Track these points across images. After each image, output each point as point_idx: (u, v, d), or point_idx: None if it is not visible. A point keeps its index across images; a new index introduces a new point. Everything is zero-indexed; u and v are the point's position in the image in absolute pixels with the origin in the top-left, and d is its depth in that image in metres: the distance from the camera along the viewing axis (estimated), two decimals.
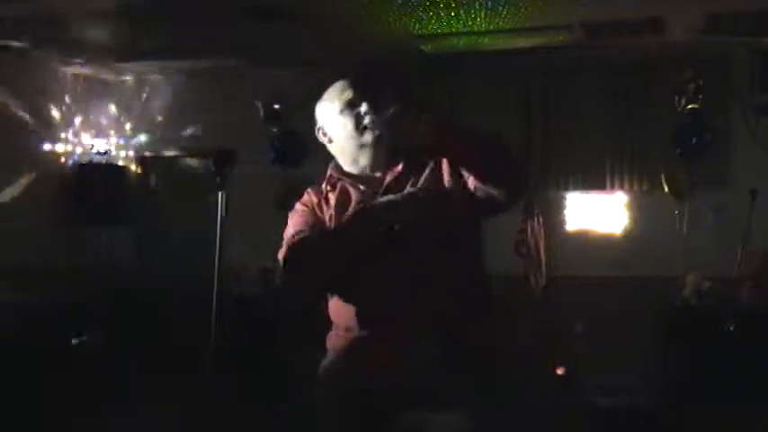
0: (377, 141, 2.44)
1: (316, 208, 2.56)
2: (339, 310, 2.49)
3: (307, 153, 6.98)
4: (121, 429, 5.65)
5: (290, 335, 6.43)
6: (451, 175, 2.42)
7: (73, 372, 6.20)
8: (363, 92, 2.48)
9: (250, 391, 6.05)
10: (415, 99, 2.43)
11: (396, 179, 2.48)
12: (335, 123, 2.53)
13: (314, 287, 2.54)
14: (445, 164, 2.44)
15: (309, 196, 2.61)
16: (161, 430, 5.54)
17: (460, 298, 2.40)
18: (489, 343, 2.46)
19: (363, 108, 2.44)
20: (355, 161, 2.54)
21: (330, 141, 2.58)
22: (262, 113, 7.22)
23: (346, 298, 2.44)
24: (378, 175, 2.52)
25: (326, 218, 2.51)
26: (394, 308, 2.36)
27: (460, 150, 2.33)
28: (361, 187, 2.50)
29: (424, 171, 2.46)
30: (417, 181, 2.46)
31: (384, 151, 2.48)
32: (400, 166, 2.50)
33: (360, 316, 2.41)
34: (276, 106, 7.18)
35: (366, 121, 2.42)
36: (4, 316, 6.14)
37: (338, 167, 2.60)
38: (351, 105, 2.48)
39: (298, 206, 2.60)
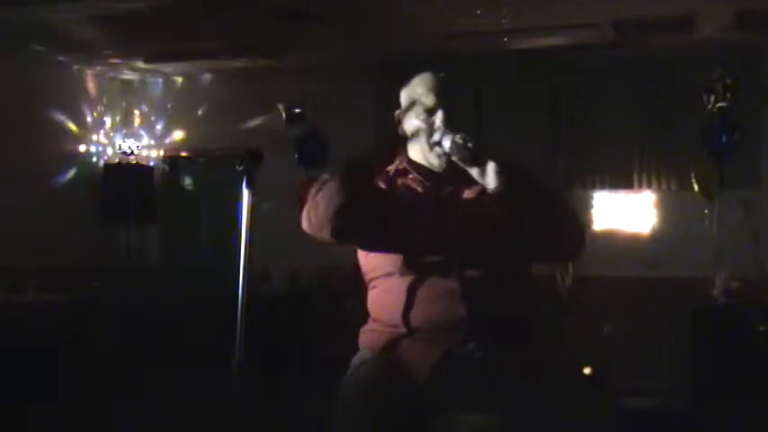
0: (444, 159, 2.46)
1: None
2: (384, 304, 2.49)
3: (329, 154, 7.02)
4: (147, 429, 5.68)
5: (316, 334, 6.44)
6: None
7: (101, 370, 6.24)
8: (442, 102, 2.48)
9: (277, 391, 6.06)
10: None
11: (459, 189, 2.47)
12: (411, 122, 2.53)
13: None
14: None
15: None
16: (187, 430, 5.57)
17: (508, 301, 2.42)
18: (527, 345, 2.46)
19: (438, 120, 2.46)
20: (424, 158, 2.53)
21: (403, 132, 2.58)
22: (284, 116, 7.26)
23: (395, 292, 2.44)
24: (446, 176, 2.50)
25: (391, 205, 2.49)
26: (444, 305, 2.37)
27: (521, 206, 2.36)
28: (427, 184, 2.49)
29: (486, 196, 2.42)
30: (478, 203, 2.44)
31: (452, 163, 2.46)
32: (468, 174, 2.46)
33: (408, 312, 2.41)
34: (297, 110, 7.21)
35: (436, 137, 2.44)
36: (34, 314, 6.20)
37: (407, 154, 2.58)
38: (428, 113, 2.48)
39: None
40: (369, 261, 2.54)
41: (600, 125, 7.31)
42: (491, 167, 2.34)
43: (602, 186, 7.35)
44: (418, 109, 2.51)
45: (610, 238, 7.19)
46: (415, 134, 2.53)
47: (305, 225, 2.44)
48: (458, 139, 2.36)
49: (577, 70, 7.31)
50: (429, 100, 2.49)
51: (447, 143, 2.38)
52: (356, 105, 7.63)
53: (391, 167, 2.58)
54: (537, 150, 7.11)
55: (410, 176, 2.53)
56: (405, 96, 2.58)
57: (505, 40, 6.48)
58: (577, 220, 2.52)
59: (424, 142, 2.49)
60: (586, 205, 7.31)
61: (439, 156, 2.47)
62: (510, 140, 6.57)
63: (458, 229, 2.42)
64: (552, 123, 7.39)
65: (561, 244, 2.46)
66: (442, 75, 2.54)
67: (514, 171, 2.41)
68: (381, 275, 2.50)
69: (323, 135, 7.12)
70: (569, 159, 7.36)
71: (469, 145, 2.35)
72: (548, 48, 6.75)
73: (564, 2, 5.73)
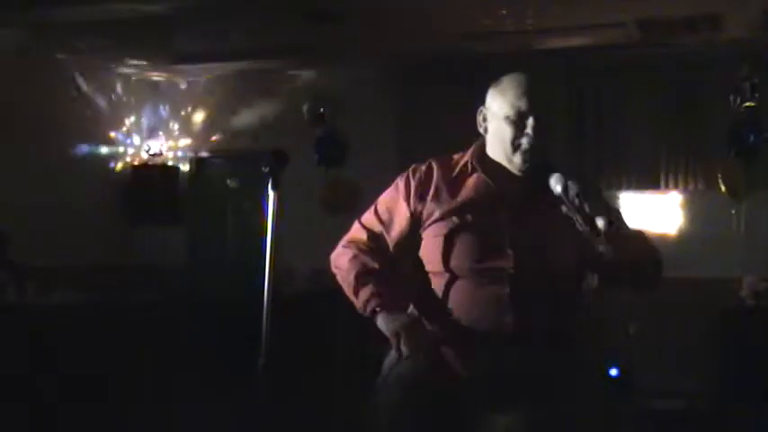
0: (525, 166, 2.42)
1: (415, 190, 2.50)
2: (428, 302, 2.48)
3: (348, 154, 7.05)
4: (174, 429, 5.72)
5: (341, 335, 6.45)
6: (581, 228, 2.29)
7: (127, 370, 6.28)
8: (536, 108, 2.41)
9: (302, 391, 6.08)
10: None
11: (526, 196, 2.42)
12: (498, 125, 2.46)
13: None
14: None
15: (419, 173, 2.53)
16: (213, 430, 5.60)
17: (556, 315, 2.41)
18: (566, 353, 2.45)
19: (529, 128, 2.40)
20: (499, 157, 2.49)
21: (486, 131, 2.52)
22: (306, 116, 7.30)
23: (440, 291, 2.43)
24: (517, 180, 2.46)
25: (447, 200, 2.46)
26: (489, 310, 2.36)
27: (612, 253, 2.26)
28: (493, 187, 2.44)
29: (557, 208, 2.33)
30: (545, 212, 2.37)
31: (529, 171, 2.44)
32: (542, 185, 2.38)
33: (451, 313, 2.40)
34: (321, 110, 7.26)
35: (524, 142, 2.40)
36: (62, 315, 6.24)
37: (482, 151, 2.53)
38: (519, 116, 2.41)
39: (399, 182, 2.55)
40: (425, 252, 2.50)
41: (626, 125, 7.27)
42: (600, 224, 2.21)
43: (629, 187, 7.31)
44: (508, 111, 2.43)
45: None
46: (497, 143, 2.47)
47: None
48: (572, 191, 2.26)
49: (603, 70, 7.28)
50: (522, 104, 2.41)
51: (557, 187, 2.29)
52: (377, 105, 7.64)
53: (458, 159, 2.54)
54: (562, 151, 7.08)
55: (475, 175, 2.48)
56: (492, 97, 2.50)
57: (530, 40, 6.48)
58: (659, 258, 2.47)
59: (508, 151, 2.43)
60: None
61: (522, 164, 2.41)
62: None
63: (514, 236, 2.38)
64: (578, 124, 7.36)
65: (644, 280, 2.46)
66: (534, 77, 2.47)
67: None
68: (436, 269, 2.46)
69: (342, 135, 7.16)
70: (595, 160, 7.32)
71: (586, 208, 2.23)
72: (573, 48, 6.72)
73: (589, 2, 5.70)
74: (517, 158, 2.42)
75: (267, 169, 2.65)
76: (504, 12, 5.95)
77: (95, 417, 5.52)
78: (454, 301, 2.41)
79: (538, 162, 2.38)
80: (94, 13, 6.27)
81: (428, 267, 2.48)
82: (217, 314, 7.35)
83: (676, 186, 7.16)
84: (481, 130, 2.53)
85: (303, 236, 6.14)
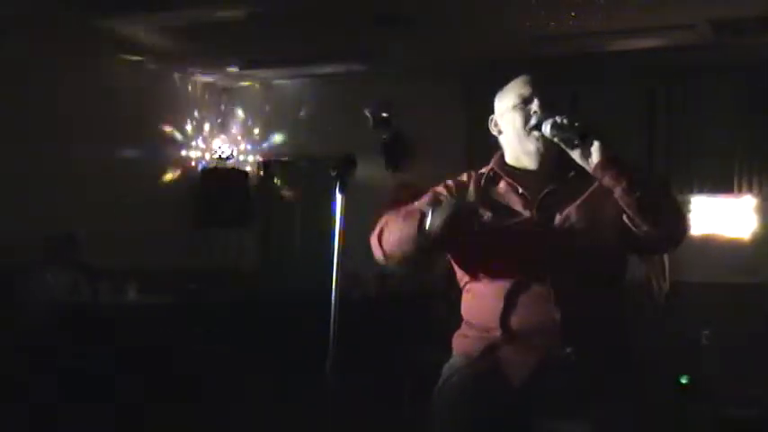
0: (541, 145, 2.43)
1: (455, 190, 2.55)
2: (478, 308, 2.48)
3: (414, 157, 7.06)
4: (243, 428, 5.79)
5: (408, 337, 6.46)
6: (614, 202, 2.32)
7: (198, 371, 6.37)
8: (539, 91, 2.47)
9: (369, 392, 6.10)
10: (586, 119, 2.38)
11: (556, 190, 2.44)
12: (507, 117, 2.52)
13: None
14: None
15: (454, 179, 2.60)
16: (282, 430, 5.65)
17: (601, 307, 2.40)
18: (621, 351, 2.43)
19: (534, 106, 2.44)
20: (518, 159, 2.52)
21: (500, 133, 2.57)
22: (371, 121, 7.34)
23: (489, 297, 2.43)
24: (540, 178, 2.48)
25: (484, 208, 2.47)
26: (538, 310, 2.36)
27: (623, 187, 2.27)
28: (520, 190, 2.47)
29: (588, 188, 2.41)
30: (577, 197, 2.42)
31: (548, 157, 2.45)
32: (564, 175, 2.46)
33: (503, 317, 2.39)
34: (383, 114, 7.29)
35: (533, 121, 2.42)
36: (135, 317, 6.35)
37: (502, 160, 2.57)
38: (524, 102, 2.47)
39: (432, 191, 2.60)
40: (462, 266, 2.54)
41: (698, 128, 7.15)
42: (596, 144, 2.28)
43: (701, 190, 7.18)
44: (514, 100, 2.49)
45: (708, 244, 7.01)
46: (510, 133, 2.51)
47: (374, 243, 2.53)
48: (559, 119, 2.32)
49: (674, 71, 7.17)
50: (525, 90, 2.48)
51: (547, 127, 2.35)
52: (443, 108, 7.65)
53: (483, 171, 2.58)
54: (633, 153, 6.99)
55: (502, 181, 2.52)
56: (498, 99, 2.57)
57: (600, 42, 6.42)
58: (680, 205, 2.45)
59: (521, 136, 2.46)
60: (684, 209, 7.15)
61: (536, 142, 2.43)
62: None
63: (551, 234, 2.40)
64: (649, 126, 7.26)
65: (665, 229, 2.35)
66: (537, 73, 2.53)
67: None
68: (474, 280, 2.49)
69: (408, 138, 7.18)
70: (666, 163, 7.21)
71: (576, 124, 2.30)
72: (644, 49, 6.64)
73: (660, 3, 5.63)
74: (531, 142, 2.44)
75: (335, 173, 2.67)
76: (574, 14, 5.91)
77: (167, 416, 5.60)
78: (504, 306, 2.40)
79: (561, 136, 2.34)
80: (166, 18, 6.40)
81: (470, 277, 2.51)
82: (287, 315, 7.41)
83: (750, 190, 7.01)
84: (495, 133, 2.58)
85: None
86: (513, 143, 2.52)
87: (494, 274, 2.43)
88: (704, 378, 6.29)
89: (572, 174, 2.43)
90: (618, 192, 2.27)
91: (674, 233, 2.38)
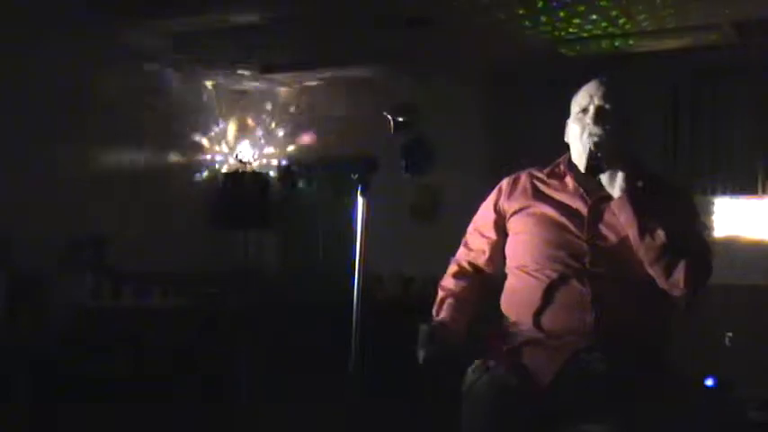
0: (590, 157, 2.49)
1: (504, 194, 2.68)
2: (517, 301, 2.52)
3: (435, 161, 7.04)
4: (265, 429, 5.80)
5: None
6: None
7: (219, 374, 6.39)
8: (596, 100, 2.51)
9: (392, 393, 6.10)
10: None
11: (609, 196, 2.48)
12: (571, 124, 2.59)
13: None
14: None
15: (510, 179, 2.71)
16: (302, 430, 5.66)
17: (639, 315, 2.43)
18: (651, 359, 2.44)
19: (588, 119, 2.50)
20: (580, 163, 2.57)
21: (568, 139, 2.63)
22: (391, 125, 7.33)
23: (528, 291, 2.47)
24: (598, 182, 2.53)
25: (531, 194, 2.60)
26: (574, 312, 2.39)
27: (632, 233, 2.39)
28: (580, 190, 2.53)
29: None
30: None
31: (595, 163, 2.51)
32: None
33: (539, 314, 2.43)
34: (405, 118, 7.28)
35: (585, 135, 2.49)
36: (154, 319, 6.38)
37: (570, 159, 2.63)
38: (583, 112, 2.53)
39: (492, 195, 2.74)
40: (510, 251, 2.63)
41: (721, 128, 7.10)
42: (620, 176, 2.41)
43: (724, 191, 7.12)
44: (575, 109, 2.56)
45: (731, 246, 6.95)
46: (572, 136, 2.57)
47: None
48: (589, 142, 2.45)
49: (697, 72, 7.12)
50: (584, 100, 2.53)
51: (587, 148, 2.48)
52: (465, 112, 7.63)
53: (555, 163, 2.66)
54: (656, 154, 6.96)
55: (566, 178, 2.58)
56: (572, 104, 2.62)
57: (623, 43, 6.39)
58: (708, 251, 2.50)
59: (576, 143, 2.54)
60: (707, 211, 7.10)
61: (584, 158, 2.51)
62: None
63: (598, 236, 2.45)
64: (671, 126, 7.22)
65: (676, 287, 2.42)
66: (605, 78, 2.57)
67: (655, 187, 2.45)
68: (519, 266, 2.55)
69: (429, 142, 7.16)
70: (689, 164, 7.17)
71: (599, 155, 2.43)
72: (668, 50, 6.61)
73: (684, 3, 5.60)
74: (585, 154, 2.50)
75: (357, 176, 2.69)
76: (595, 16, 5.90)
77: (190, 418, 5.63)
78: (541, 302, 2.43)
79: (611, 161, 2.45)
80: (189, 23, 6.43)
81: (515, 262, 2.58)
82: (308, 318, 7.42)
83: None
84: (566, 139, 2.64)
85: (391, 242, 6.18)
86: (576, 153, 2.57)
87: (538, 266, 2.47)
88: (728, 380, 6.25)
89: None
90: (630, 234, 2.37)
91: (687, 289, 2.44)
